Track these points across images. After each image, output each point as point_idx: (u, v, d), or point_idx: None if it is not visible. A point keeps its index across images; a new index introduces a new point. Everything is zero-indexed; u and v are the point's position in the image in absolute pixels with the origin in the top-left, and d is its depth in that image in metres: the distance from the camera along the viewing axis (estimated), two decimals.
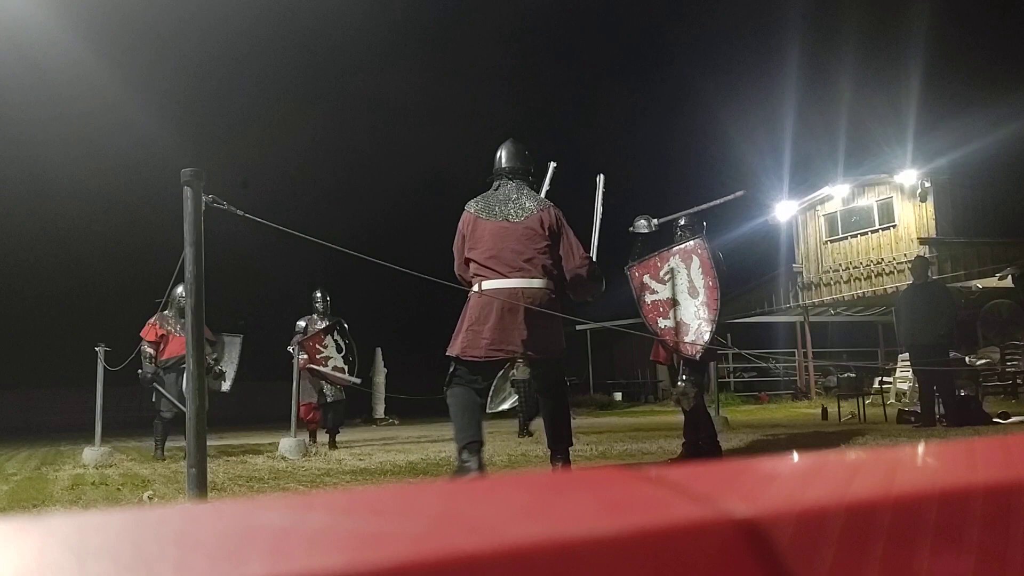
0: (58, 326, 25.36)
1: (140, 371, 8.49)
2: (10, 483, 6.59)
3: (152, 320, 8.69)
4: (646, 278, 5.45)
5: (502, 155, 4.79)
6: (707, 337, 5.30)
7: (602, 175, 5.72)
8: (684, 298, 5.37)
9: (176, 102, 29.90)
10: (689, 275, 5.35)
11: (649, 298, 5.40)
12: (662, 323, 5.39)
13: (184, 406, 8.28)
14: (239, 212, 3.15)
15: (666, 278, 5.39)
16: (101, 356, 8.47)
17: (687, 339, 5.30)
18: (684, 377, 5.70)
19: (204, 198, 2.85)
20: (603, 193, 5.69)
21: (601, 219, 5.59)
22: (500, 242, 4.44)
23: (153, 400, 8.58)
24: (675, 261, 5.43)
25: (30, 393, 24.46)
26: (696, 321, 5.36)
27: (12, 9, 17.46)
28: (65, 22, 20.94)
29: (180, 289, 8.77)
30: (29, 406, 23.73)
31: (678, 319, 5.39)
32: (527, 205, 4.54)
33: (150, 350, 8.54)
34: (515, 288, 4.35)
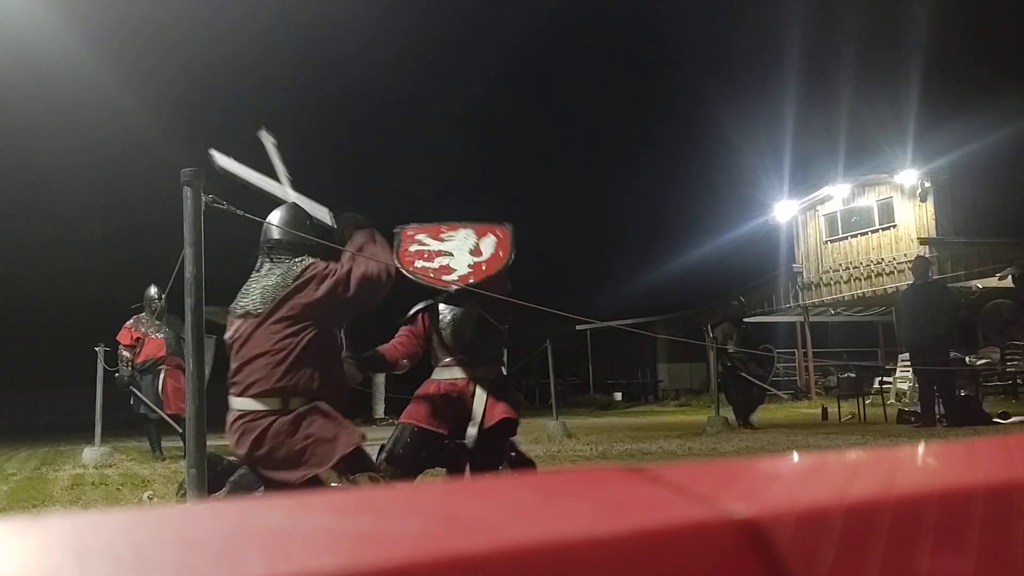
0: (58, 326, 25.37)
1: (117, 374, 8.54)
2: (10, 483, 6.59)
3: (128, 323, 8.74)
4: (421, 236, 4.35)
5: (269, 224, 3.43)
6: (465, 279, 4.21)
7: (264, 135, 4.00)
8: (460, 252, 4.31)
9: (176, 102, 29.89)
10: (478, 242, 4.35)
11: (412, 247, 4.29)
12: (419, 263, 4.25)
13: (159, 408, 8.40)
14: (239, 212, 3.15)
15: (446, 238, 4.34)
16: (101, 356, 8.49)
17: (446, 277, 4.21)
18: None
19: (204, 198, 2.85)
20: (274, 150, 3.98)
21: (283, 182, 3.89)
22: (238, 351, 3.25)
23: (131, 403, 8.62)
24: (466, 232, 4.41)
25: (30, 393, 24.46)
26: (465, 263, 4.25)
27: (12, 9, 17.46)
28: (65, 22, 20.94)
29: (152, 291, 8.81)
30: (29, 406, 23.73)
31: (443, 263, 4.27)
32: (276, 280, 3.21)
33: (127, 354, 8.60)
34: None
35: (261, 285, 3.22)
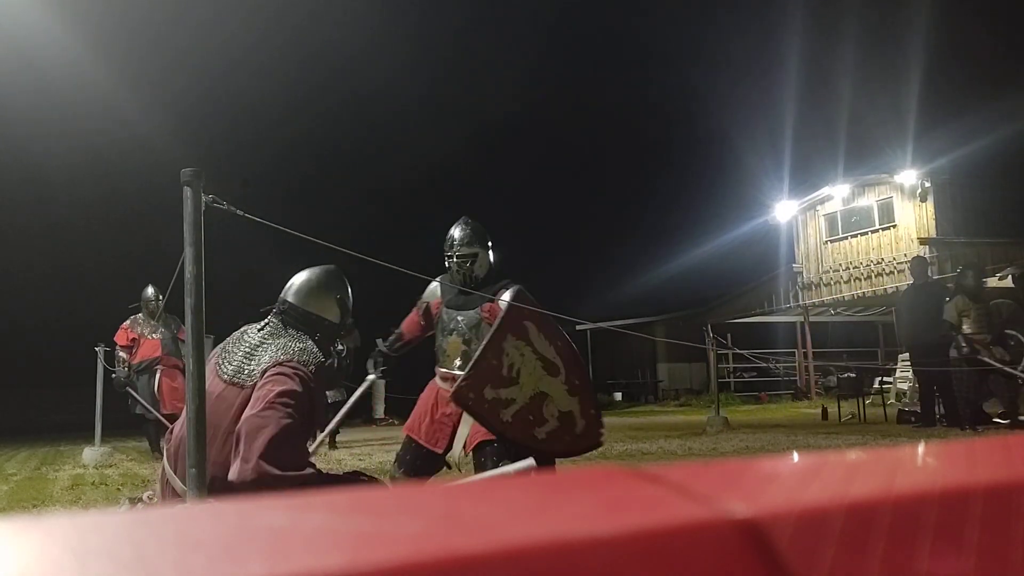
0: (58, 326, 25.35)
1: (114, 375, 8.56)
2: (10, 483, 6.60)
3: (125, 324, 8.77)
4: (488, 391, 3.53)
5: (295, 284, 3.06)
6: (598, 425, 3.70)
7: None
8: (548, 383, 3.64)
9: (177, 103, 29.90)
10: (536, 350, 3.63)
11: (507, 415, 3.53)
12: (540, 432, 3.57)
13: (155, 409, 8.41)
14: (239, 212, 3.14)
15: (515, 374, 3.56)
16: (101, 356, 8.51)
17: (577, 431, 3.64)
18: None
19: (204, 198, 2.85)
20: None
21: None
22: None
23: (129, 403, 8.64)
24: (511, 344, 3.61)
25: (30, 393, 24.45)
26: (573, 402, 3.65)
27: (12, 9, 17.45)
28: (65, 22, 20.94)
29: (150, 291, 8.83)
30: (29, 406, 23.72)
31: (559, 410, 3.62)
32: (260, 359, 2.72)
33: (123, 354, 8.63)
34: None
35: (268, 354, 2.71)
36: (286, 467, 2.39)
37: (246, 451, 2.39)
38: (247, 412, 2.50)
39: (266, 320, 2.92)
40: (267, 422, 2.42)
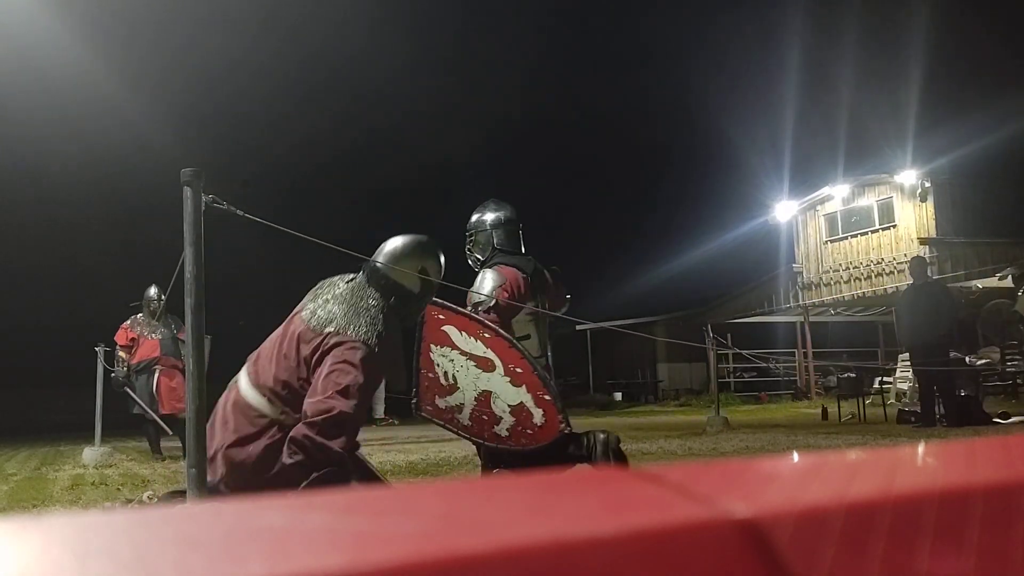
0: (58, 326, 25.33)
1: (112, 374, 8.56)
2: (10, 483, 6.59)
3: (125, 324, 8.77)
4: (439, 401, 3.56)
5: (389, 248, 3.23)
6: (555, 412, 3.40)
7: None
8: (487, 381, 3.49)
9: (178, 102, 29.91)
10: (464, 352, 3.52)
11: (463, 419, 3.52)
12: (500, 429, 3.47)
13: (153, 408, 8.40)
14: (239, 212, 3.14)
15: (452, 381, 3.52)
16: (101, 356, 8.51)
17: (536, 422, 3.39)
18: None
19: (204, 198, 2.85)
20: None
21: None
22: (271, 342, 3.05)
23: (128, 403, 8.65)
24: (438, 354, 3.56)
25: (30, 393, 24.45)
26: (520, 393, 3.44)
27: (12, 9, 17.45)
28: (65, 22, 20.94)
29: (152, 291, 8.83)
30: (29, 406, 23.71)
31: (509, 404, 3.45)
32: (331, 310, 2.94)
33: (122, 354, 8.63)
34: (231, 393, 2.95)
35: (342, 310, 2.93)
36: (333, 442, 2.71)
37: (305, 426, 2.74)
38: (311, 397, 2.76)
39: (355, 275, 3.11)
40: (330, 407, 2.71)
